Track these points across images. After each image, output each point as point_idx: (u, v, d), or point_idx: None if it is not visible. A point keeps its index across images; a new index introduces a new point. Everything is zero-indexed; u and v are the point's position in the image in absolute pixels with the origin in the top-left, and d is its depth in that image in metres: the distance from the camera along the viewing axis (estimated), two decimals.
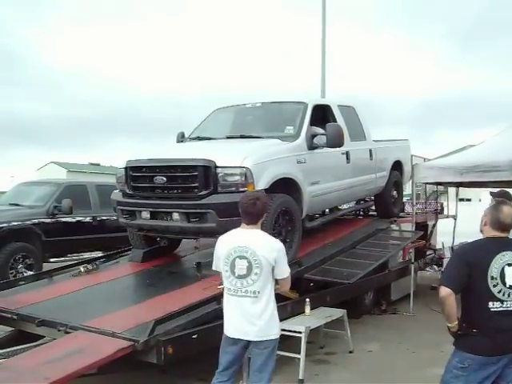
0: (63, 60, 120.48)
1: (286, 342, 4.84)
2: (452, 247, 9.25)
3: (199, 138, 7.12)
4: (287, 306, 5.61)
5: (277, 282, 3.61)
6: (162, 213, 5.80)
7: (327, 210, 7.99)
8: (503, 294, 3.13)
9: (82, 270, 6.36)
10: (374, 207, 9.44)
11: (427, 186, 10.73)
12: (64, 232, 9.02)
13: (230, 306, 3.57)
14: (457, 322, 3.21)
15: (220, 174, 5.45)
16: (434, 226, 10.17)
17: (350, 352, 6.06)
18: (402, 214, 9.71)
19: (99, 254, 8.67)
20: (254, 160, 5.53)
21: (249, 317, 3.47)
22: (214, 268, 3.76)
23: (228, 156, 5.64)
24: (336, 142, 6.43)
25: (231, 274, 3.52)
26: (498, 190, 6.98)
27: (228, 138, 6.86)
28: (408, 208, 10.45)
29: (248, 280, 3.46)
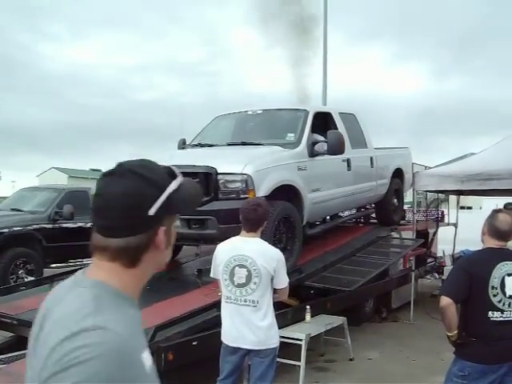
0: (62, 66, 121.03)
1: (287, 349, 4.84)
2: (453, 255, 9.24)
3: (200, 145, 7.13)
4: (287, 314, 5.60)
5: (275, 290, 3.61)
6: None
7: (328, 218, 7.99)
8: (503, 304, 3.14)
9: None
10: (374, 215, 9.45)
11: (428, 193, 10.73)
12: (65, 238, 9.01)
13: (229, 314, 3.56)
14: (456, 331, 3.22)
15: (221, 181, 5.47)
16: (435, 233, 10.15)
17: (351, 359, 6.05)
18: (402, 222, 9.70)
19: None
20: (255, 167, 5.54)
21: (248, 326, 3.47)
22: (211, 275, 3.76)
23: (229, 163, 5.66)
24: (337, 149, 6.45)
25: (230, 283, 3.52)
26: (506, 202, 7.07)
27: (229, 144, 6.87)
28: (409, 216, 10.45)
29: (247, 289, 3.46)
